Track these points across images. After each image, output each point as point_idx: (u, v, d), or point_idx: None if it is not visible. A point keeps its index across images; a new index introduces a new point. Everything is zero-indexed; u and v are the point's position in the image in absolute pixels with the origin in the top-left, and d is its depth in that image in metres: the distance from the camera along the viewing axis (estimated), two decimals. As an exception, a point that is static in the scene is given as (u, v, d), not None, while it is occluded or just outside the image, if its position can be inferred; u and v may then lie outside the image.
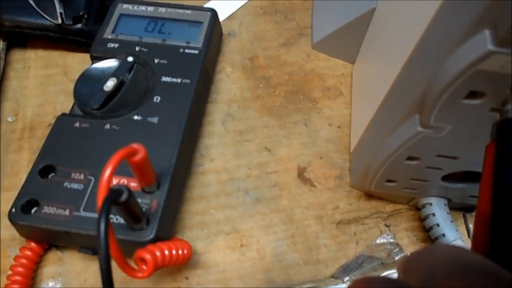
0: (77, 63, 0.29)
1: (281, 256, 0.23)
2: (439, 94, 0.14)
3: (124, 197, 0.16)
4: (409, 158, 0.19)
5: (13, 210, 0.19)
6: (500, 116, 0.14)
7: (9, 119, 0.26)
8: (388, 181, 0.21)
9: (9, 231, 0.22)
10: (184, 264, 0.21)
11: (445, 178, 0.20)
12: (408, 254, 0.22)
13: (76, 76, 0.25)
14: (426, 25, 0.15)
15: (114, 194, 0.15)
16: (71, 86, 0.25)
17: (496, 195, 0.13)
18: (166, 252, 0.18)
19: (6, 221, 0.20)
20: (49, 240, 0.21)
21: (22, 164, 0.25)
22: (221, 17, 0.30)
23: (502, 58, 0.12)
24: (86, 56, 0.28)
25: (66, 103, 0.27)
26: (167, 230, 0.21)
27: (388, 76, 0.19)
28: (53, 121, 0.26)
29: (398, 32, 0.19)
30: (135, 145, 0.17)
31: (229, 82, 0.28)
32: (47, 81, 0.28)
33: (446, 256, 0.11)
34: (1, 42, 0.28)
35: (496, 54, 0.11)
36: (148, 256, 0.17)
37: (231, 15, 0.32)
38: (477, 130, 0.16)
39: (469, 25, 0.12)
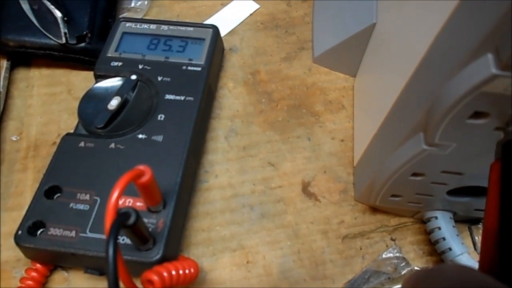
0: (80, 81, 0.29)
1: (287, 273, 0.23)
2: (444, 114, 0.14)
3: (132, 219, 0.16)
4: (414, 174, 0.19)
5: (19, 232, 0.19)
6: (504, 135, 0.14)
7: (13, 138, 0.26)
8: (393, 196, 0.21)
9: (13, 252, 0.22)
10: (191, 283, 0.21)
11: (450, 192, 0.20)
12: (414, 271, 0.22)
13: (80, 94, 0.25)
14: (428, 46, 0.15)
15: (122, 217, 0.15)
16: (75, 104, 0.25)
17: (502, 213, 0.13)
18: (173, 272, 0.18)
19: (11, 242, 0.20)
20: (55, 261, 0.21)
21: (27, 184, 0.25)
22: (222, 32, 0.30)
23: (505, 81, 0.12)
24: (90, 74, 0.28)
25: (70, 121, 0.27)
26: (174, 249, 0.21)
27: (391, 92, 0.19)
28: (57, 140, 0.26)
29: (400, 50, 0.19)
30: (141, 167, 0.17)
31: (231, 98, 0.29)
32: (51, 100, 0.28)
33: (455, 277, 0.12)
34: (5, 62, 0.28)
35: (499, 77, 0.12)
36: (155, 278, 0.17)
37: (231, 30, 0.32)
38: (481, 147, 0.16)
39: (472, 48, 0.12)
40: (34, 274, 0.21)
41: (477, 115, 0.14)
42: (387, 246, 0.24)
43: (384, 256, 0.23)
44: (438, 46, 0.14)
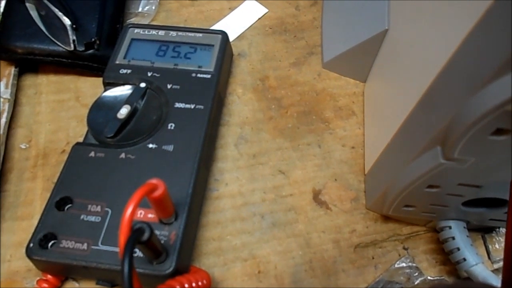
0: (88, 87, 0.29)
1: (299, 283, 0.23)
2: (465, 130, 0.13)
3: (146, 236, 0.16)
4: (430, 186, 0.18)
5: (31, 245, 0.19)
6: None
7: (22, 146, 0.26)
8: (407, 206, 0.21)
9: (24, 262, 0.22)
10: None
11: (466, 203, 0.20)
12: (430, 283, 0.22)
13: (88, 101, 0.25)
14: (447, 59, 0.15)
15: (136, 234, 0.15)
16: (84, 111, 0.25)
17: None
18: (186, 286, 0.18)
19: (21, 252, 0.20)
20: (67, 273, 0.21)
21: (36, 193, 0.25)
22: (230, 37, 0.30)
23: (532, 99, 0.11)
24: (98, 80, 0.28)
25: (78, 129, 0.27)
26: (186, 260, 0.21)
27: (405, 103, 0.19)
28: (66, 148, 0.26)
29: (416, 59, 0.19)
30: (154, 181, 0.17)
31: (240, 104, 0.28)
32: (59, 107, 0.28)
33: None
34: (13, 69, 0.28)
35: (526, 96, 0.11)
36: (169, 292, 0.17)
37: (240, 35, 0.32)
38: (500, 162, 0.15)
39: (498, 66, 0.12)
40: (45, 285, 0.21)
41: (498, 131, 0.14)
42: (399, 255, 0.24)
43: (397, 265, 0.23)
44: (459, 61, 0.14)
